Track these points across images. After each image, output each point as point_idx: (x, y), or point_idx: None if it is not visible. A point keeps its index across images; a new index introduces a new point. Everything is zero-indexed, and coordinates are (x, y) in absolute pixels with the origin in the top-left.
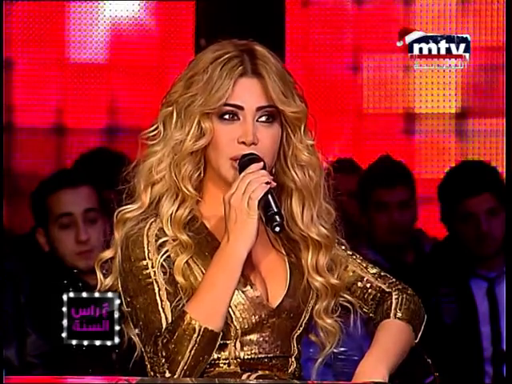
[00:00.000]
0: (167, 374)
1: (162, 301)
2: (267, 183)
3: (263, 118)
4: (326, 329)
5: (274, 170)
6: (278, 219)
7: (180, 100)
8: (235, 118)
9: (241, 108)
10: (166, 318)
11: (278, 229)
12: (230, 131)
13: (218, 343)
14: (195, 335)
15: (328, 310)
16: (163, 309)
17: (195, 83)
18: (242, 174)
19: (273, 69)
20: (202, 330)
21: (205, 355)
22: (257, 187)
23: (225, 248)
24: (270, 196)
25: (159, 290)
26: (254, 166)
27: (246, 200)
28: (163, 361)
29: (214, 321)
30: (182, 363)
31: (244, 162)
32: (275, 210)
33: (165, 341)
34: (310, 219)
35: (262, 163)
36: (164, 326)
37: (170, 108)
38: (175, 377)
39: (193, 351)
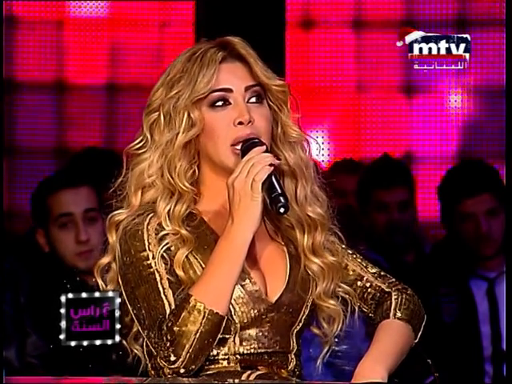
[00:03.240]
0: (172, 358)
1: (164, 288)
2: (270, 165)
3: (253, 99)
4: (328, 312)
5: None
6: (283, 200)
7: (165, 102)
8: (226, 103)
9: (230, 91)
10: (170, 304)
11: (282, 210)
12: (224, 116)
13: (221, 331)
14: (200, 317)
15: (328, 293)
16: (166, 296)
17: (176, 83)
18: (246, 157)
19: (252, 53)
20: (208, 312)
21: (210, 338)
22: (260, 169)
23: (229, 231)
24: (273, 178)
25: (161, 279)
26: (256, 150)
27: (249, 182)
28: (168, 344)
29: (219, 303)
30: (187, 346)
31: (247, 147)
32: (279, 192)
33: (169, 324)
34: (304, 198)
35: (264, 147)
36: (168, 312)
37: (156, 113)
38: (180, 360)
39: (198, 334)
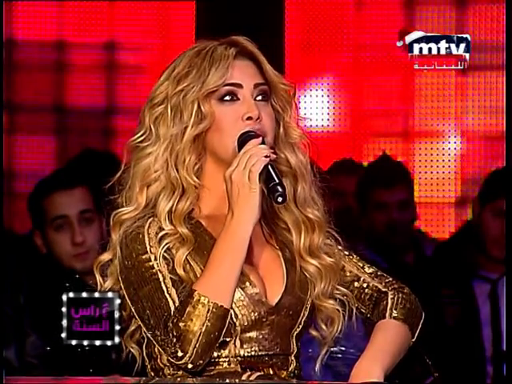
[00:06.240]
0: (179, 354)
1: (167, 288)
2: (267, 156)
3: (260, 97)
4: (327, 312)
5: None
6: (280, 189)
7: (172, 96)
8: (235, 98)
9: (240, 86)
10: (174, 302)
11: (280, 199)
12: (233, 111)
13: (226, 325)
14: (205, 311)
15: (326, 293)
16: (170, 294)
17: (184, 77)
18: (242, 149)
19: (260, 52)
20: (212, 305)
21: (216, 332)
22: (257, 161)
23: (230, 224)
24: (270, 168)
25: (164, 279)
26: (252, 142)
27: (246, 174)
28: (174, 340)
29: (223, 296)
30: (193, 341)
31: (243, 139)
32: (276, 181)
33: (175, 320)
34: (303, 200)
35: (260, 138)
36: (172, 309)
37: (161, 107)
38: (188, 355)
39: (203, 328)
